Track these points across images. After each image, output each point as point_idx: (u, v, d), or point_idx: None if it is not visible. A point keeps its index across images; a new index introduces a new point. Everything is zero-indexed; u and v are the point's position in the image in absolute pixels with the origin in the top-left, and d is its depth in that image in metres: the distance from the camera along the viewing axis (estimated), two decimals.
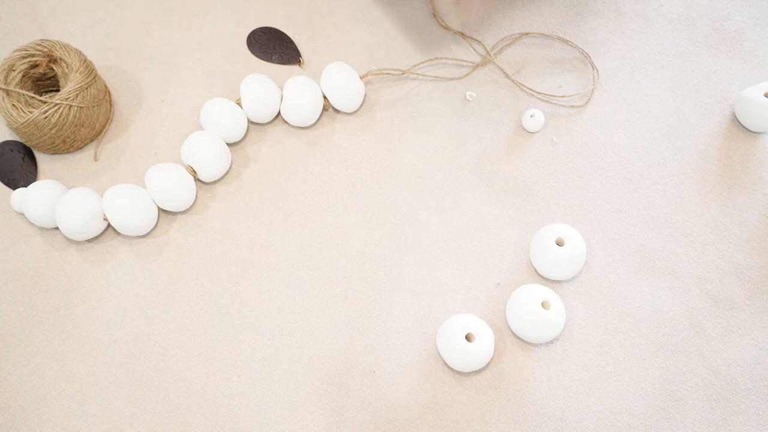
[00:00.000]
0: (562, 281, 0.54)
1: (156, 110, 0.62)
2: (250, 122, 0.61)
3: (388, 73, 0.62)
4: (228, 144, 0.59)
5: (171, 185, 0.55)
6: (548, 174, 0.58)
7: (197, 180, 0.58)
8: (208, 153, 0.56)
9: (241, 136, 0.59)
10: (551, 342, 0.52)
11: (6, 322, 0.54)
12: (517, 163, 0.59)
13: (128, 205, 0.54)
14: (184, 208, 0.57)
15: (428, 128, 0.61)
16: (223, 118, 0.57)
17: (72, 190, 0.54)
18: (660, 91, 0.62)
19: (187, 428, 0.50)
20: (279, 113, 0.61)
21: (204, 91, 0.62)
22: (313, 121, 0.60)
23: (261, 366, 0.52)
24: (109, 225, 0.56)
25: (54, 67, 0.58)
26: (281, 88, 0.61)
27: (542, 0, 0.66)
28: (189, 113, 0.62)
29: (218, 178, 0.58)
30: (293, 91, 0.58)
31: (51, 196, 0.54)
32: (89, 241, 0.56)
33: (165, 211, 0.57)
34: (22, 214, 0.57)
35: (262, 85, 0.59)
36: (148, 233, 0.57)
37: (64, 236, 0.56)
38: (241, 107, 0.59)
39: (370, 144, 0.60)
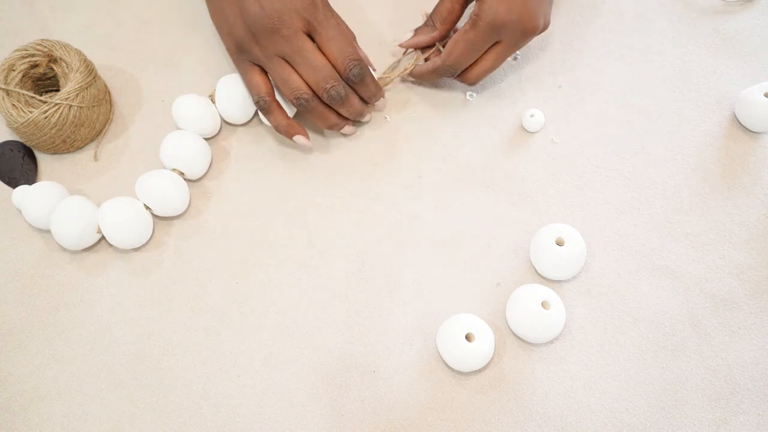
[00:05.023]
0: (562, 281, 0.54)
1: (156, 110, 0.62)
2: (225, 122, 0.61)
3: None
4: (207, 138, 0.60)
5: (161, 190, 0.55)
6: (548, 174, 0.58)
7: (188, 180, 0.58)
8: (186, 151, 0.56)
9: (215, 132, 0.60)
10: (551, 342, 0.52)
11: (6, 322, 0.54)
12: (517, 163, 0.59)
13: (124, 221, 0.53)
14: (181, 211, 0.57)
15: (428, 128, 0.61)
16: (194, 111, 0.58)
17: (65, 202, 0.54)
18: (660, 91, 0.62)
19: (187, 428, 0.50)
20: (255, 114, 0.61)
21: (204, 91, 0.62)
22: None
23: (261, 366, 0.52)
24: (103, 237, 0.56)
25: (54, 67, 0.58)
26: None
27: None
28: None
29: (204, 172, 0.58)
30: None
31: (50, 199, 0.54)
32: None
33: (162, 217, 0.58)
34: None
35: (238, 85, 0.59)
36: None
37: None
38: (214, 103, 0.59)
39: (370, 144, 0.60)
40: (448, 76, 0.58)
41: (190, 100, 0.58)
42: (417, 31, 0.59)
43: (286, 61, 0.53)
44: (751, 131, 0.60)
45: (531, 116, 0.60)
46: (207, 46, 0.65)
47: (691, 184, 0.58)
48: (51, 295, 0.55)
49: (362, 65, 0.54)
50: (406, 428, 0.50)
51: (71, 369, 0.52)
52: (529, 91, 0.62)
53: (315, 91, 0.53)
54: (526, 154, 0.59)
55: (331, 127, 0.57)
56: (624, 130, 0.60)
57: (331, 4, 0.55)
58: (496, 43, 0.55)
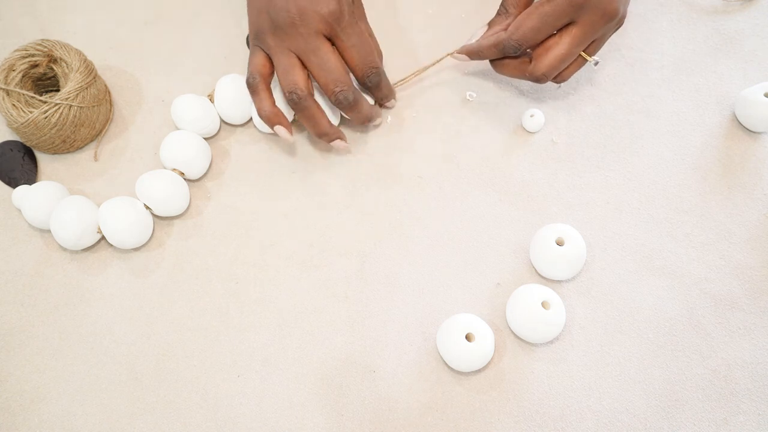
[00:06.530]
0: (562, 281, 0.54)
1: (156, 110, 0.62)
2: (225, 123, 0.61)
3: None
4: (206, 138, 0.60)
5: (161, 190, 0.55)
6: (548, 174, 0.58)
7: (188, 180, 0.58)
8: (186, 151, 0.56)
9: (215, 132, 0.60)
10: (551, 342, 0.52)
11: (6, 322, 0.54)
12: (517, 163, 0.59)
13: (124, 221, 0.53)
14: (181, 211, 0.57)
15: (428, 128, 0.61)
16: (193, 111, 0.58)
17: (65, 202, 0.54)
18: (660, 91, 0.62)
19: (187, 428, 0.50)
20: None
21: (204, 91, 0.62)
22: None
23: (261, 366, 0.52)
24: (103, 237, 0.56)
25: (54, 67, 0.58)
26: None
27: None
28: None
29: (204, 172, 0.58)
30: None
31: (50, 199, 0.54)
32: None
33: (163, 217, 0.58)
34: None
35: (237, 86, 0.59)
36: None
37: None
38: (212, 102, 0.59)
39: (370, 144, 0.60)
40: (509, 54, 0.53)
41: (189, 100, 0.58)
42: (491, 23, 0.56)
43: (299, 59, 0.53)
44: (751, 131, 0.60)
45: (531, 116, 0.60)
46: (207, 46, 0.65)
47: (691, 184, 0.58)
48: (51, 295, 0.55)
49: (380, 73, 0.54)
50: (406, 428, 0.50)
51: (71, 369, 0.52)
52: (529, 91, 0.62)
53: (325, 92, 0.53)
54: (526, 154, 0.59)
55: (320, 135, 0.55)
56: (624, 130, 0.60)
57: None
58: (570, 24, 0.51)
